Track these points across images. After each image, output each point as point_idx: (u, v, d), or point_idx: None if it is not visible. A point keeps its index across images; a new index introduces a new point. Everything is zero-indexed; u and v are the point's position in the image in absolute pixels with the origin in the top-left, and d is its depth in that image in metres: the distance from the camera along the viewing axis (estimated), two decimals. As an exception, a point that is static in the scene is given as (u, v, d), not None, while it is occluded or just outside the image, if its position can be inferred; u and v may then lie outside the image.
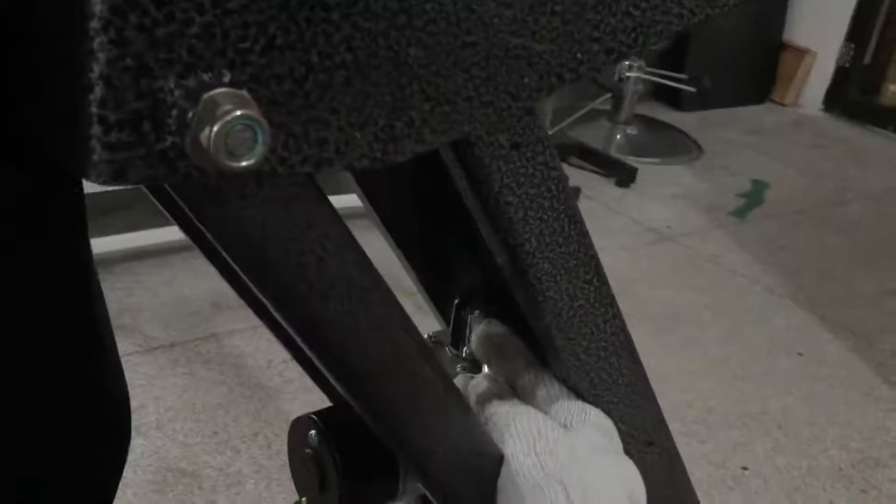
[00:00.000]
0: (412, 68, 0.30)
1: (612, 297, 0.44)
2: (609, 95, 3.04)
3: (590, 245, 0.42)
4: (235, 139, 0.26)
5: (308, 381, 1.73)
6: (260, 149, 0.26)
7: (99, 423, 0.49)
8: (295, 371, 1.61)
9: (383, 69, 0.29)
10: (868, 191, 2.98)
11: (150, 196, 0.47)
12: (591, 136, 2.96)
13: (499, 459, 0.43)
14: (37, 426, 0.45)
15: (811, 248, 2.50)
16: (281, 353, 1.66)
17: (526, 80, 0.34)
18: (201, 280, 1.86)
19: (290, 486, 0.48)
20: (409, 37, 0.29)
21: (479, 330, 0.51)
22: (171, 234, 1.86)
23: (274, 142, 0.28)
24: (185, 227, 0.51)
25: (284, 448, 1.53)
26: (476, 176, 0.37)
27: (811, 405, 1.80)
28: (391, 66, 0.30)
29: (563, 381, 0.47)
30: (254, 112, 0.26)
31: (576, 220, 0.41)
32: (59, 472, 0.46)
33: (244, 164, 0.26)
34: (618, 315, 0.45)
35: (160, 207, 0.50)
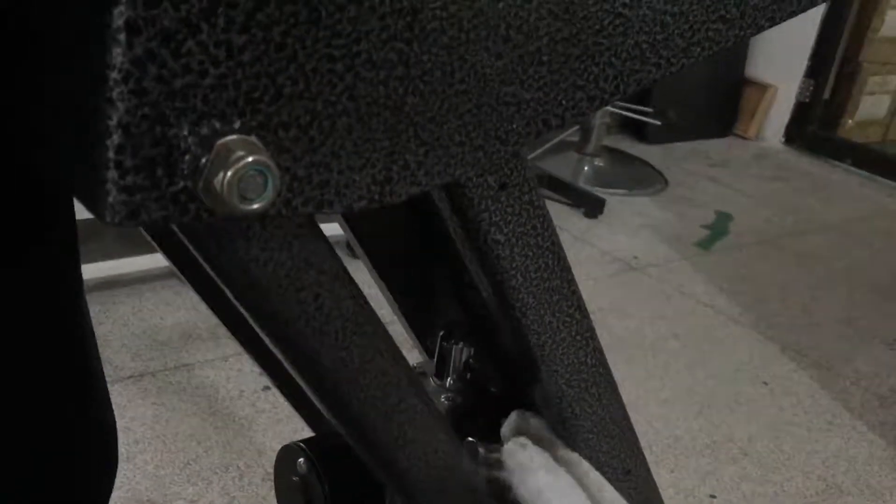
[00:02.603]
0: (409, 115, 0.32)
1: (593, 330, 0.46)
2: (577, 127, 3.09)
3: (572, 280, 0.44)
4: (247, 184, 0.27)
5: (280, 412, 1.72)
6: (270, 193, 0.28)
7: (87, 447, 0.49)
8: (267, 402, 1.60)
9: (382, 116, 0.31)
10: (828, 222, 3.05)
11: (144, 231, 0.48)
12: (559, 167, 3.00)
13: (486, 492, 0.45)
14: (25, 450, 0.45)
15: (774, 279, 2.55)
16: (252, 384, 1.65)
17: (514, 125, 0.35)
18: (171, 310, 1.85)
19: (262, 518, 0.49)
20: (406, 86, 0.31)
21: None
22: (141, 263, 1.85)
23: (280, 185, 0.29)
24: (175, 260, 0.52)
25: (256, 479, 1.50)
26: (465, 215, 0.39)
27: (776, 433, 1.83)
28: (389, 113, 0.31)
29: (544, 412, 0.48)
30: (265, 158, 0.27)
31: (559, 256, 0.42)
32: (48, 496, 0.47)
33: (255, 206, 0.27)
34: (598, 347, 0.47)
35: (151, 241, 0.51)
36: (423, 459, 0.43)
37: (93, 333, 0.50)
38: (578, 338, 0.45)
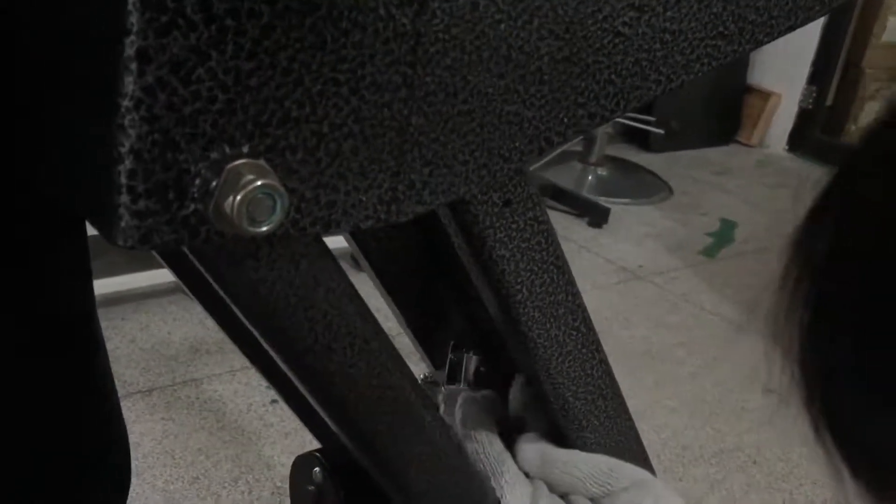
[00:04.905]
0: (413, 136, 0.32)
1: (598, 343, 0.46)
2: (580, 137, 3.10)
3: (577, 293, 0.44)
4: (257, 207, 0.27)
5: (288, 425, 1.72)
6: (278, 215, 0.28)
7: (100, 462, 0.50)
8: (275, 415, 1.61)
9: (387, 137, 0.32)
10: (833, 228, 3.04)
11: (154, 252, 0.49)
12: (563, 177, 3.00)
13: (494, 501, 0.45)
14: (37, 465, 0.46)
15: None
16: (260, 397, 1.66)
17: (517, 143, 0.36)
18: (179, 325, 1.86)
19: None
20: (411, 107, 0.32)
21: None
22: (148, 279, 1.86)
23: (288, 206, 0.30)
24: (182, 276, 0.53)
25: (265, 493, 1.50)
26: (470, 231, 0.39)
27: (783, 441, 1.83)
28: (394, 134, 0.32)
29: (552, 425, 0.49)
30: (274, 181, 0.28)
31: (563, 270, 0.43)
32: None
33: (264, 229, 0.28)
34: (604, 360, 0.47)
35: (158, 258, 0.51)
36: (431, 472, 0.43)
37: (104, 347, 0.50)
38: (584, 350, 0.46)
